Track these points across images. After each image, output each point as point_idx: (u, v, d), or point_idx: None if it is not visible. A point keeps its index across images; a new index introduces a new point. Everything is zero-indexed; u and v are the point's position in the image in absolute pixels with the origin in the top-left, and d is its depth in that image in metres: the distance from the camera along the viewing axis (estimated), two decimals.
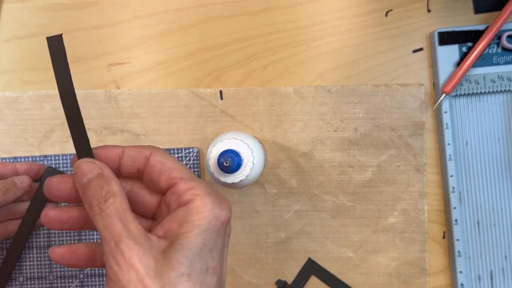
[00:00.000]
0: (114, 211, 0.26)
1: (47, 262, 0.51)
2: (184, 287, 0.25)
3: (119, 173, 0.30)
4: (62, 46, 0.31)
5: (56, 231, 0.51)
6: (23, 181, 0.47)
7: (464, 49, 0.50)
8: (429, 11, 0.51)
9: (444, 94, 0.49)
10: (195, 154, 0.51)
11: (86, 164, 0.28)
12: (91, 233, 0.51)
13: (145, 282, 0.25)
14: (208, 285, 0.26)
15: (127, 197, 0.29)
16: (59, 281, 0.51)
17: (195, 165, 0.51)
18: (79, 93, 0.51)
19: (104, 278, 0.50)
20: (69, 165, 0.51)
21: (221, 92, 0.51)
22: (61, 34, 0.31)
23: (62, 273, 0.51)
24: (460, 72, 0.49)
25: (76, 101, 0.30)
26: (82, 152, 0.29)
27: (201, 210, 0.27)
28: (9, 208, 0.49)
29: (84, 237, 0.51)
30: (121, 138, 0.51)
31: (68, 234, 0.51)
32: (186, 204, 0.27)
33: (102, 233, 0.27)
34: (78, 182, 0.28)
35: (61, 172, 0.50)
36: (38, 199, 0.49)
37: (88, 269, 0.51)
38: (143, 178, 0.30)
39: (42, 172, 0.49)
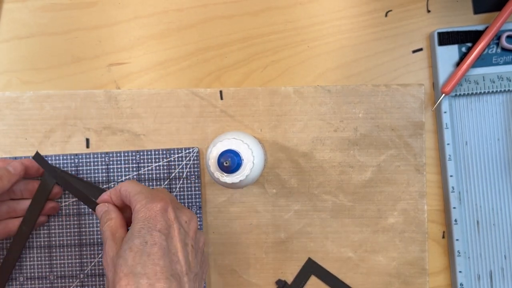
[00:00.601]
0: (108, 228, 0.41)
1: (47, 262, 0.51)
2: (127, 255, 0.37)
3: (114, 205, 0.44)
4: (43, 158, 0.48)
5: (57, 231, 0.51)
6: (16, 166, 0.47)
7: (463, 49, 0.50)
8: (428, 11, 0.52)
9: (443, 94, 0.50)
10: (195, 154, 0.51)
11: (100, 207, 0.44)
12: (91, 235, 0.51)
13: (112, 260, 0.39)
14: (149, 253, 0.37)
15: (127, 219, 0.43)
16: (59, 281, 0.51)
17: (195, 165, 0.51)
18: (79, 93, 0.51)
19: (104, 278, 0.51)
20: (69, 165, 0.51)
21: (221, 92, 0.51)
22: (37, 151, 0.48)
23: (63, 273, 0.51)
24: (459, 72, 0.49)
25: (76, 188, 0.48)
26: (93, 205, 0.46)
27: (139, 208, 0.40)
28: (10, 206, 0.49)
29: (84, 237, 0.51)
30: (121, 138, 0.51)
31: (68, 235, 0.51)
32: (134, 209, 0.40)
33: (102, 235, 0.42)
34: (98, 216, 0.44)
35: (62, 171, 0.50)
36: (39, 198, 0.49)
37: (89, 269, 0.51)
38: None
39: (43, 170, 0.49)
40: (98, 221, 0.51)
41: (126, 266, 0.37)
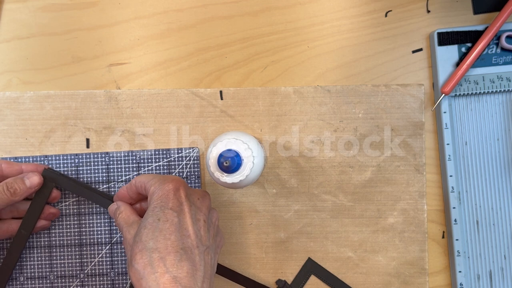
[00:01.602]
0: (121, 219, 0.45)
1: (47, 262, 0.51)
2: (142, 233, 0.40)
3: (132, 199, 0.47)
4: (53, 172, 0.50)
5: (57, 231, 0.51)
6: (33, 180, 0.47)
7: (463, 49, 0.50)
8: (428, 11, 0.52)
9: (443, 95, 0.50)
10: (195, 154, 0.51)
11: (111, 207, 0.47)
12: (91, 235, 0.51)
13: (130, 242, 0.42)
14: (161, 228, 0.40)
15: (139, 210, 0.47)
16: (59, 280, 0.51)
17: (195, 165, 0.51)
18: (80, 93, 0.52)
19: (104, 277, 0.51)
20: (69, 165, 0.51)
21: (221, 92, 0.52)
22: (47, 167, 0.50)
23: (63, 272, 0.51)
24: (459, 73, 0.49)
25: (89, 189, 0.50)
26: (106, 203, 0.49)
27: (153, 190, 0.42)
28: (13, 205, 0.49)
29: (84, 237, 0.51)
30: (121, 138, 0.52)
31: (68, 235, 0.51)
32: (149, 193, 0.43)
33: (118, 228, 0.46)
34: (111, 215, 0.47)
35: (59, 173, 0.50)
36: (37, 201, 0.49)
37: (89, 269, 0.51)
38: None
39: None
40: (98, 221, 0.51)
41: (141, 243, 0.39)
